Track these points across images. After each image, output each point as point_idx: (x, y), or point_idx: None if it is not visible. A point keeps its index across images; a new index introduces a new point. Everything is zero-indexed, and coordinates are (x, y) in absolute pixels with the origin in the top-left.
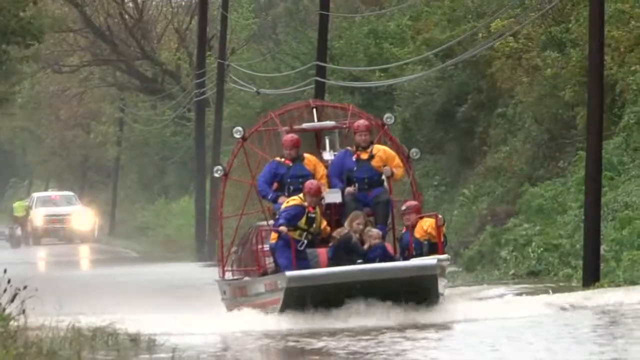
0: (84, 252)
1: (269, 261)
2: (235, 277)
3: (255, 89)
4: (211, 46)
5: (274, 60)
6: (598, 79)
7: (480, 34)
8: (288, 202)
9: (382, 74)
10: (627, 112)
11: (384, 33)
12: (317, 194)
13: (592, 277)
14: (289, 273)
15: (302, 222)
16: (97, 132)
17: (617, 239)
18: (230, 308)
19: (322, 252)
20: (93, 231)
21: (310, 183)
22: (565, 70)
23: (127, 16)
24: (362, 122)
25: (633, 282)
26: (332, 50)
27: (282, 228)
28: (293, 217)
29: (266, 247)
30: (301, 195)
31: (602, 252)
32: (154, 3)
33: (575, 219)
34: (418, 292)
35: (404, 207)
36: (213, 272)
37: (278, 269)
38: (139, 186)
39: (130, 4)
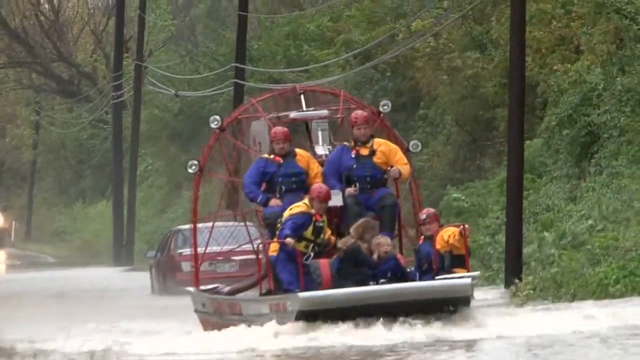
0: (1, 257)
1: (185, 267)
2: (213, 287)
3: (173, 91)
4: (128, 48)
5: (192, 62)
6: (519, 79)
7: (400, 35)
8: (292, 208)
9: (301, 75)
10: (548, 114)
11: (303, 34)
12: (326, 199)
13: (514, 280)
14: (302, 295)
15: (308, 232)
16: (13, 135)
17: (539, 241)
18: (209, 324)
19: (324, 264)
20: (10, 236)
21: (319, 187)
22: (486, 71)
23: (42, 17)
24: (360, 113)
25: (557, 285)
26: (251, 52)
27: (289, 240)
28: (300, 227)
29: (183, 251)
30: (306, 200)
31: (524, 254)
32: (70, 4)
33: (496, 222)
34: (447, 312)
35: (423, 216)
36: (134, 277)
37: (279, 285)
38: (56, 190)
39: (46, 5)
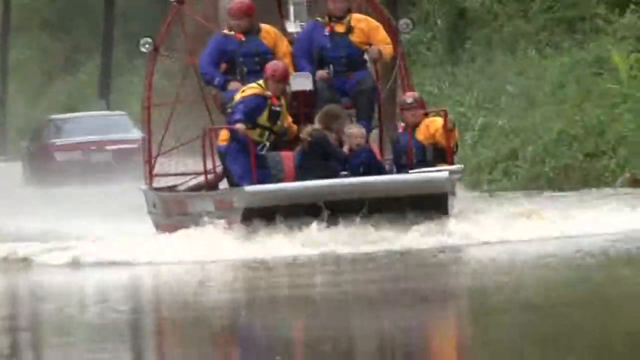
0: None
1: (58, 156)
2: (168, 186)
3: None
4: None
5: None
6: None
7: None
8: (244, 90)
9: None
10: None
11: None
12: (283, 78)
13: None
14: (249, 188)
15: (263, 117)
16: None
17: None
18: (161, 226)
19: (287, 157)
20: None
21: (274, 64)
22: None
23: None
24: None
25: None
26: None
27: (240, 126)
28: (253, 111)
29: (56, 141)
30: (261, 81)
31: None
32: None
33: None
34: (421, 213)
35: (409, 99)
36: (6, 167)
37: (230, 179)
38: None
39: None
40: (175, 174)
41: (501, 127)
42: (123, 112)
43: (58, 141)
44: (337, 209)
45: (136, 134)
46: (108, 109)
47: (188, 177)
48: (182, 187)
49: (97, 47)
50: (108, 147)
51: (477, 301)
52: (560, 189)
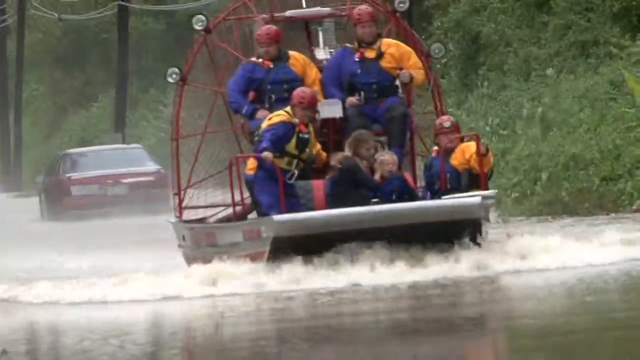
0: None
1: (74, 190)
2: (197, 218)
3: (56, 15)
4: None
5: None
6: None
7: None
8: (271, 118)
9: None
10: (435, 26)
11: None
12: (311, 105)
13: None
14: (277, 217)
15: (291, 145)
16: None
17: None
18: (190, 259)
19: (318, 185)
20: None
21: (301, 91)
22: None
23: None
24: (364, 8)
25: None
26: None
27: (267, 154)
28: (280, 139)
29: (72, 175)
30: (288, 108)
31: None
32: None
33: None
34: (452, 240)
35: (447, 123)
36: (23, 202)
37: (258, 209)
38: None
39: None
40: (205, 206)
41: (516, 153)
42: (139, 145)
43: (74, 175)
44: (368, 237)
45: (152, 166)
46: (123, 142)
47: (218, 209)
48: (211, 219)
49: (110, 81)
50: (124, 181)
51: (514, 328)
52: (576, 214)
